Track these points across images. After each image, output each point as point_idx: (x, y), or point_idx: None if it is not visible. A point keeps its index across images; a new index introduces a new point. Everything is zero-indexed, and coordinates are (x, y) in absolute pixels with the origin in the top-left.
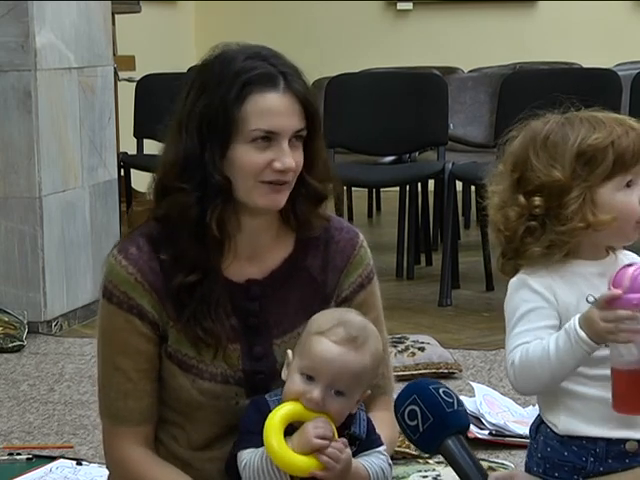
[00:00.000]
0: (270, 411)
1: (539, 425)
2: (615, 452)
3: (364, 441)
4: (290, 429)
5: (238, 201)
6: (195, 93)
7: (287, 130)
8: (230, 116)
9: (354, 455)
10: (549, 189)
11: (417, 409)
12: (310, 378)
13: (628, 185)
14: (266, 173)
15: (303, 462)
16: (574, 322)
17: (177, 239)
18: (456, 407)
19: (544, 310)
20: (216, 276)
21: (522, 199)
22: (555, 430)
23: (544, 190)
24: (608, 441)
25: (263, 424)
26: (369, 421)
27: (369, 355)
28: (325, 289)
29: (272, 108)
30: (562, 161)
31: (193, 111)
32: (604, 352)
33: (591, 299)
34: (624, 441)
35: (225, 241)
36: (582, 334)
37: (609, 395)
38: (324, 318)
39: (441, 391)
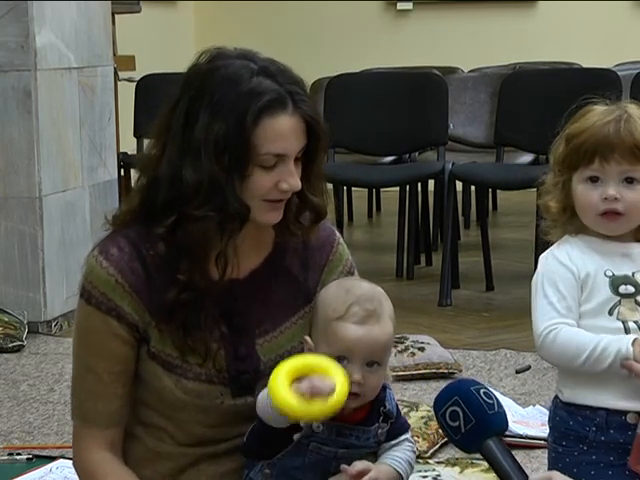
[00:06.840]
0: None
1: (554, 398)
2: (616, 423)
3: (394, 422)
4: None
5: None
6: (207, 115)
7: (294, 152)
8: (248, 143)
9: (387, 434)
10: (554, 163)
11: (459, 410)
12: (343, 359)
13: (593, 180)
14: (271, 193)
15: (288, 402)
16: (628, 350)
17: (183, 258)
18: (497, 409)
19: (570, 281)
20: (209, 287)
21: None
22: (561, 397)
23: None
24: (608, 411)
25: None
26: (397, 405)
27: (389, 319)
28: (307, 287)
29: (282, 132)
30: (560, 141)
31: (209, 135)
32: (615, 324)
33: (609, 273)
34: (624, 412)
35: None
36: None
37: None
38: (336, 300)
39: (482, 392)
